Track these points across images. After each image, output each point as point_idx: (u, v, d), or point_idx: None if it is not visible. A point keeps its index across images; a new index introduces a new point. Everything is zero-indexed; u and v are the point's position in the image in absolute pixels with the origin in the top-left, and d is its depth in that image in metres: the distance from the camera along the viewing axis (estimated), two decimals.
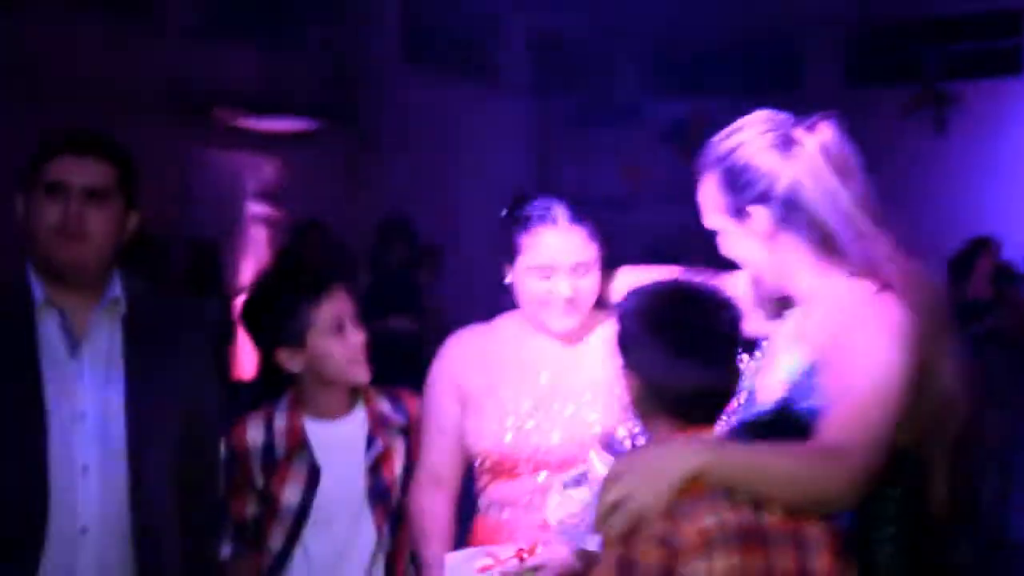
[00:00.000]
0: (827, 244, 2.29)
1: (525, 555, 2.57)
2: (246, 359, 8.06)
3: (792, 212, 2.29)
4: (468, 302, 8.24)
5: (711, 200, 2.38)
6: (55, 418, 2.52)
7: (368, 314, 6.85)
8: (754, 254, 2.38)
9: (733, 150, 2.35)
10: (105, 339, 2.63)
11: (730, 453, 1.99)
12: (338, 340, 2.79)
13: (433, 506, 2.77)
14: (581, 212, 2.67)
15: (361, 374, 2.81)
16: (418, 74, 12.05)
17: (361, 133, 11.27)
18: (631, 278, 2.72)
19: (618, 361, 2.11)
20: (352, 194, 10.98)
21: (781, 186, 2.29)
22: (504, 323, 2.82)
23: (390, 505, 2.81)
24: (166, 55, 9.73)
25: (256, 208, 10.73)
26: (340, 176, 11.25)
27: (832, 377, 2.15)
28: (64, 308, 2.60)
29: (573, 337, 2.73)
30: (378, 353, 5.83)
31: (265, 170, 10.87)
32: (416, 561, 2.82)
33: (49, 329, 2.58)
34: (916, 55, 12.84)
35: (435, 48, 12.76)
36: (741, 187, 2.33)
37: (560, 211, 2.65)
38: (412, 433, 2.87)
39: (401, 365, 6.56)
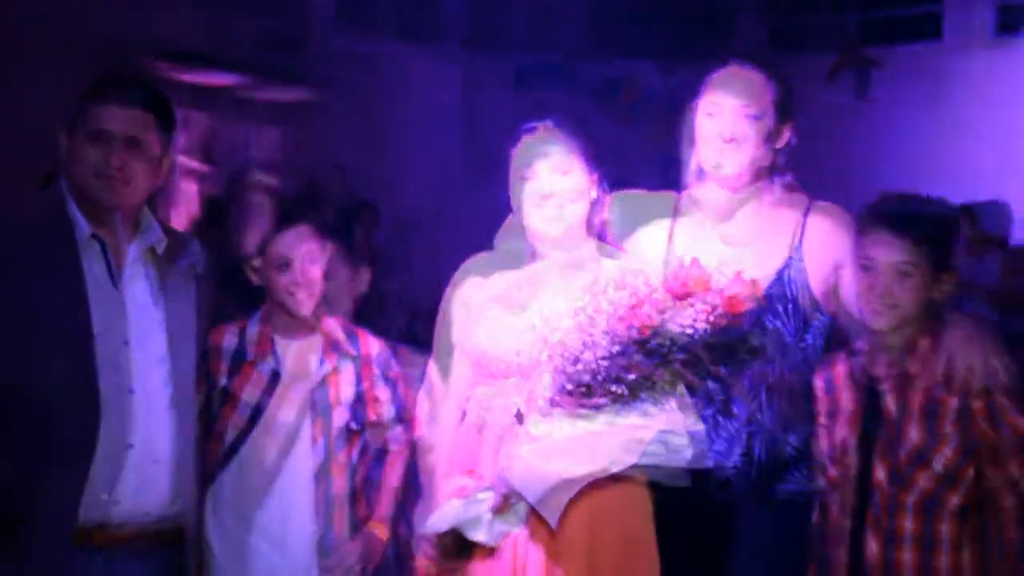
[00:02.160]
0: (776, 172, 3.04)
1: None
2: None
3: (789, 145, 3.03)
4: (403, 253, 8.42)
5: (769, 96, 2.99)
6: (103, 343, 2.73)
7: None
8: (765, 148, 3.00)
9: (783, 76, 3.02)
10: (142, 271, 2.86)
11: None
12: (283, 274, 3.15)
13: (439, 424, 3.01)
14: (564, 122, 2.96)
15: (296, 306, 3.17)
16: (355, 31, 12.07)
17: (297, 90, 11.30)
18: (624, 202, 3.08)
19: None
20: (288, 151, 11.03)
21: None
22: (510, 245, 3.05)
23: (328, 422, 3.15)
24: (104, 10, 9.70)
25: (186, 162, 10.75)
26: (275, 133, 11.29)
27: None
28: (106, 242, 2.79)
29: (567, 260, 2.94)
30: None
31: (199, 125, 10.88)
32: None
33: (93, 261, 2.77)
34: (839, 19, 13.06)
35: (373, 6, 12.77)
36: (790, 106, 3.01)
37: (542, 122, 2.97)
38: (364, 367, 3.21)
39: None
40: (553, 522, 2.64)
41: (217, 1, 10.80)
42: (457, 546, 2.81)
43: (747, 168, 3.01)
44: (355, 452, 3.25)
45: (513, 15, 14.35)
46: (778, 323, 2.92)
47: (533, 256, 2.99)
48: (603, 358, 2.57)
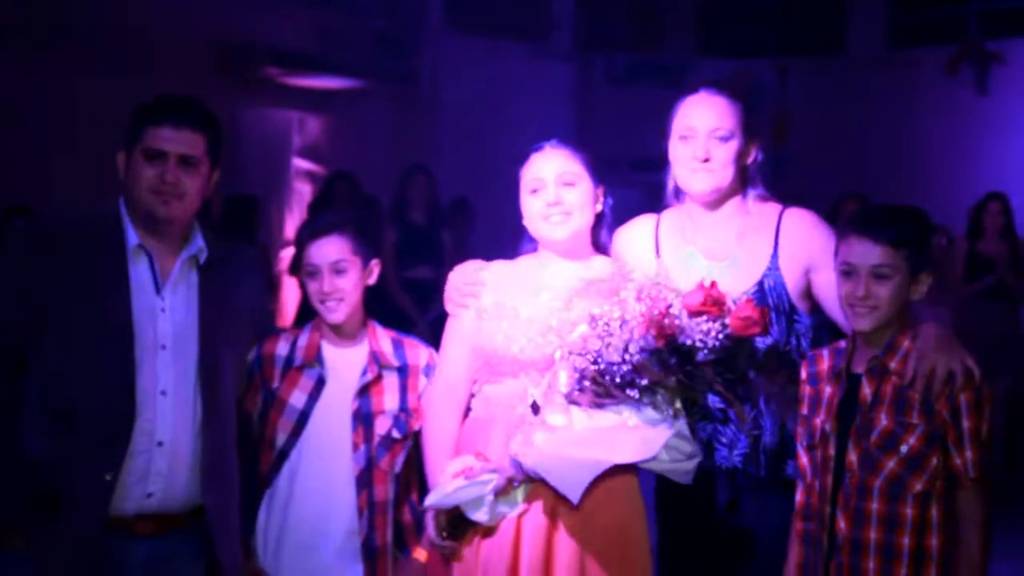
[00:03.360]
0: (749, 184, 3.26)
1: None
2: (288, 306, 8.31)
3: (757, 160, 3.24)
4: (500, 256, 8.37)
5: (735, 117, 3.16)
6: (141, 346, 2.96)
7: (397, 263, 7.15)
8: (736, 166, 3.19)
9: (747, 99, 3.19)
10: (184, 282, 3.06)
11: None
12: (312, 282, 3.26)
13: (442, 415, 3.17)
14: (567, 140, 3.19)
15: (327, 314, 3.28)
16: (464, 35, 12.15)
17: (408, 93, 11.39)
18: (636, 227, 3.33)
19: None
20: (398, 154, 11.13)
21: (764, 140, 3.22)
22: (524, 257, 3.27)
23: (370, 430, 3.24)
24: (218, 12, 9.89)
25: (302, 164, 10.91)
26: (386, 136, 11.39)
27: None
28: (153, 252, 3.00)
29: (577, 268, 3.15)
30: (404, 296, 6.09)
31: (312, 127, 11.03)
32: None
33: (139, 269, 3.00)
34: (959, 12, 12.79)
35: (482, 8, 12.85)
36: (756, 124, 3.21)
37: (548, 142, 3.14)
38: (410, 377, 3.31)
39: (420, 309, 6.97)
40: (575, 499, 2.77)
41: (328, 4, 10.95)
42: (455, 524, 2.97)
43: (721, 186, 3.20)
44: (399, 460, 3.31)
45: (621, 14, 14.32)
46: (775, 343, 3.13)
47: (545, 265, 3.18)
48: (620, 362, 2.75)
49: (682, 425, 2.87)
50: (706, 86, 3.25)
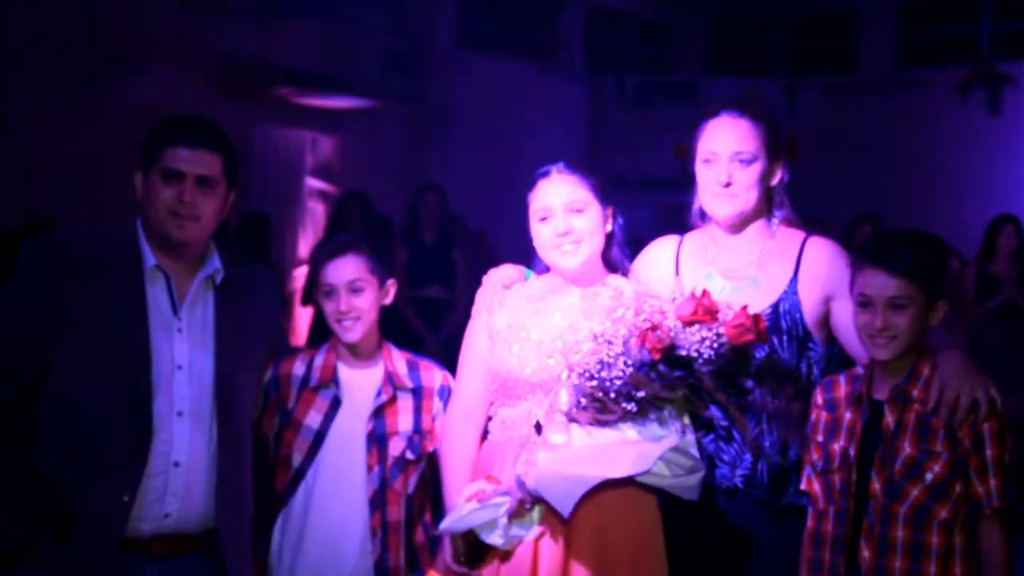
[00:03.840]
0: (773, 206, 3.25)
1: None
2: (300, 325, 8.33)
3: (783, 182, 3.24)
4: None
5: (758, 139, 3.14)
6: (157, 367, 2.96)
7: (408, 282, 7.15)
8: (761, 188, 3.18)
9: (770, 119, 3.19)
10: (201, 303, 3.06)
11: None
12: (328, 302, 3.27)
13: (460, 437, 3.16)
14: (574, 165, 3.16)
15: (344, 333, 3.28)
16: (476, 55, 12.19)
17: (420, 113, 11.42)
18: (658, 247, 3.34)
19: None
20: (409, 173, 11.15)
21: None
22: (537, 279, 3.27)
23: (385, 451, 3.25)
24: (231, 32, 9.94)
25: (314, 183, 10.94)
26: (399, 155, 11.42)
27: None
28: (170, 272, 3.00)
29: (587, 290, 3.15)
30: (415, 315, 6.12)
31: (325, 146, 11.06)
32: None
33: (157, 290, 3.00)
34: (970, 33, 12.79)
35: (493, 29, 12.90)
36: (779, 143, 3.18)
37: (555, 166, 3.15)
38: (424, 399, 3.32)
39: (431, 328, 6.98)
40: (565, 512, 2.77)
41: (340, 24, 11.00)
42: (472, 549, 2.94)
43: (745, 210, 3.19)
44: (412, 481, 3.31)
45: (631, 33, 14.36)
46: (774, 355, 3.11)
47: (555, 289, 3.19)
48: (616, 377, 2.76)
49: (689, 440, 2.86)
50: (728, 108, 3.20)
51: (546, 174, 3.15)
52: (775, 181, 3.22)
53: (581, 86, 13.47)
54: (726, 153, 3.14)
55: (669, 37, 14.74)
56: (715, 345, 2.76)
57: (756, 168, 3.15)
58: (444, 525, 2.96)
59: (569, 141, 11.95)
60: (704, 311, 2.78)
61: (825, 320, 3.15)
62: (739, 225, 3.22)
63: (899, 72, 13.18)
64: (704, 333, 2.77)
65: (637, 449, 2.79)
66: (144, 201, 3.00)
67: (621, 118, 13.12)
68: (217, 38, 9.87)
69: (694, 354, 2.75)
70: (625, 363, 2.76)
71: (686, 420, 2.87)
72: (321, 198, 10.98)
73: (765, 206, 3.23)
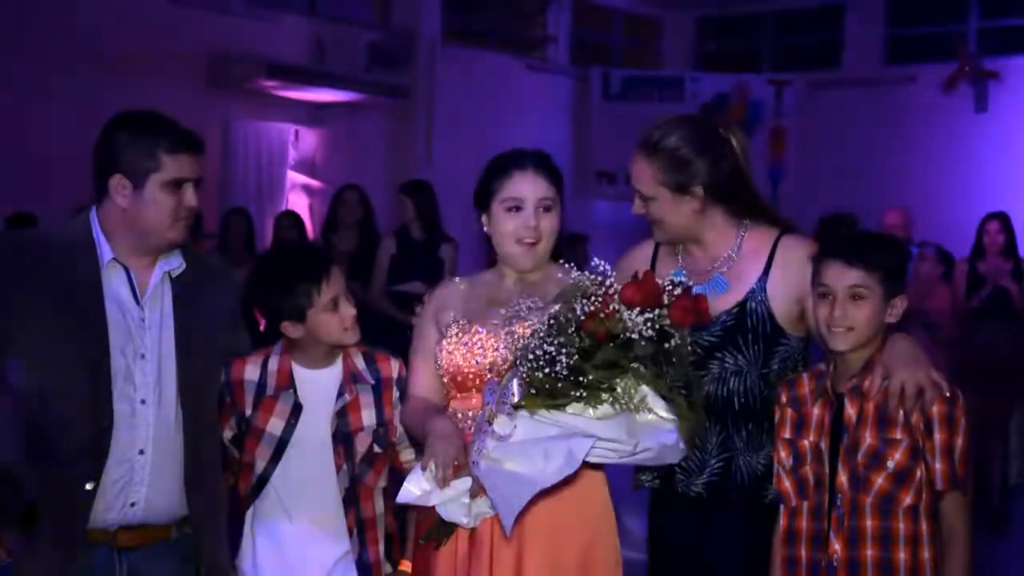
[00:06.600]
0: (736, 208, 3.17)
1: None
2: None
3: (721, 191, 3.12)
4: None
5: (653, 175, 3.09)
6: (120, 357, 2.98)
7: (393, 276, 7.10)
8: (679, 216, 3.12)
9: (677, 143, 3.10)
10: (160, 294, 3.09)
11: None
12: (333, 315, 3.21)
13: (417, 427, 3.12)
14: (549, 162, 3.18)
15: (350, 339, 3.26)
16: (462, 48, 12.15)
17: (405, 107, 11.36)
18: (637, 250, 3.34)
19: None
20: (393, 166, 11.10)
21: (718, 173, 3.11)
22: (484, 273, 3.29)
23: (352, 448, 3.23)
24: (214, 25, 9.88)
25: (297, 177, 10.88)
26: (381, 148, 11.37)
27: None
28: (129, 266, 3.03)
29: (535, 284, 3.16)
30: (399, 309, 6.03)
31: (308, 140, 11.01)
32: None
33: (115, 283, 3.02)
34: (956, 30, 12.80)
35: (479, 23, 12.86)
36: (687, 172, 3.09)
37: (530, 159, 3.16)
38: (384, 391, 3.28)
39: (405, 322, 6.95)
40: (507, 531, 2.77)
41: (324, 17, 10.94)
42: (438, 528, 2.96)
43: (672, 232, 3.19)
44: (382, 474, 3.29)
45: (618, 27, 14.34)
46: (738, 354, 3.10)
47: (503, 278, 3.20)
48: (564, 364, 2.73)
49: (650, 419, 2.78)
50: (532, 163, 3.17)
51: (522, 167, 3.14)
52: (696, 186, 3.10)
53: (567, 80, 13.44)
54: (638, 193, 3.16)
55: (655, 32, 14.72)
56: (657, 326, 2.74)
57: (658, 200, 3.11)
58: (403, 496, 2.91)
59: (555, 135, 11.93)
60: (646, 293, 2.77)
61: (801, 317, 3.13)
62: (698, 236, 3.20)
63: (886, 68, 13.17)
64: (647, 314, 2.75)
65: (567, 446, 2.72)
66: (136, 208, 2.98)
67: (607, 113, 13.09)
68: (201, 31, 9.81)
69: (635, 335, 2.73)
70: (572, 348, 2.74)
71: (639, 398, 2.77)
72: (304, 191, 10.93)
73: (720, 213, 3.17)
